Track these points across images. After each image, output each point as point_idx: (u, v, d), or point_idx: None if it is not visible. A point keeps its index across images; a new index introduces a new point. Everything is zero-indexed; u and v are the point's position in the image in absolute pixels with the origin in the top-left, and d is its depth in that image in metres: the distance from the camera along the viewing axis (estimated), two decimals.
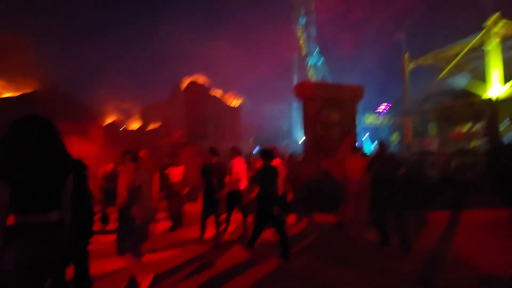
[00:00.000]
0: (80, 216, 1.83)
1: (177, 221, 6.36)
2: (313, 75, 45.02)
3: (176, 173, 6.05)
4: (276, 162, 4.59)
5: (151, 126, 30.35)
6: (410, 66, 24.32)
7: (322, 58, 46.90)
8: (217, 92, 17.16)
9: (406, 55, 24.59)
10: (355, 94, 8.61)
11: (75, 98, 32.21)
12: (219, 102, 17.91)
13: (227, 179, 4.89)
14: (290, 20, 45.64)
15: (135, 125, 30.38)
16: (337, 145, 7.97)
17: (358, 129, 8.68)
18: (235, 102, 18.88)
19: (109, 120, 28.74)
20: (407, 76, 24.45)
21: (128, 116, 31.14)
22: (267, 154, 4.13)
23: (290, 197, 5.60)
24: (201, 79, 17.49)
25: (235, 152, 5.18)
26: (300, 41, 45.66)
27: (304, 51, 45.38)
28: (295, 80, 47.28)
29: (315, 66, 46.23)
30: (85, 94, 43.69)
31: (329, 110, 8.18)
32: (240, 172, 5.03)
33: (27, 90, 17.17)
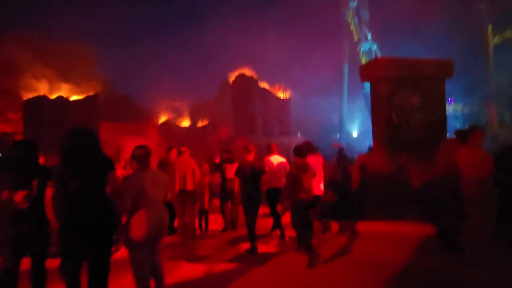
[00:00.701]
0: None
1: (230, 223, 5.64)
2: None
3: (231, 170, 5.39)
4: (312, 159, 4.34)
5: (201, 123, 31.00)
6: (494, 40, 20.23)
7: (376, 44, 42.84)
8: (265, 85, 16.24)
9: (489, 28, 20.49)
10: (441, 70, 6.84)
11: (132, 99, 34.68)
12: (267, 94, 17.00)
13: (264, 177, 4.57)
14: (339, 4, 42.53)
15: (185, 122, 31.36)
16: (419, 135, 6.37)
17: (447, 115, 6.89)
18: (283, 95, 17.74)
19: (162, 119, 30.08)
20: (490, 53, 20.41)
21: (179, 114, 32.31)
22: (300, 150, 3.95)
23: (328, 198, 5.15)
24: (249, 71, 16.80)
25: (269, 150, 5.20)
26: (351, 27, 42.30)
27: (355, 37, 41.96)
28: (346, 69, 44.17)
29: (369, 53, 42.39)
30: (140, 95, 46.99)
31: (407, 92, 6.59)
32: (274, 169, 4.85)
33: (91, 93, 18.34)
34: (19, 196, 2.22)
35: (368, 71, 7.21)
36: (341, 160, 11.63)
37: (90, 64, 29.33)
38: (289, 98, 18.49)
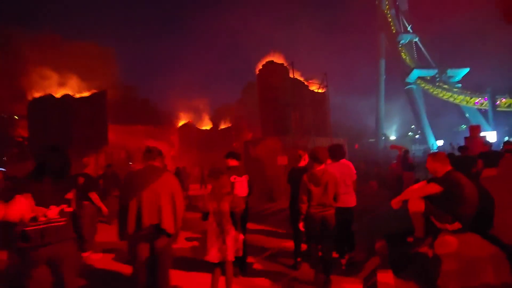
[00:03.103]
0: None
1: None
2: (406, 57, 36.91)
3: (241, 185, 3.70)
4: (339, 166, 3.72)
5: (223, 125, 28.57)
6: None
7: (417, 37, 38.20)
8: (298, 76, 13.14)
9: None
10: None
11: (152, 102, 33.32)
12: (301, 87, 13.85)
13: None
14: None
15: (207, 125, 29.11)
16: None
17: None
18: (319, 89, 14.53)
19: (182, 121, 28.06)
20: None
21: (200, 117, 30.19)
22: (316, 155, 3.28)
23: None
24: (279, 58, 13.82)
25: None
26: (388, 18, 38.13)
27: (393, 29, 37.70)
28: (383, 65, 39.85)
29: (409, 46, 37.87)
30: (161, 98, 46.22)
31: None
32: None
33: (112, 97, 16.49)
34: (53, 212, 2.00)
35: None
36: (405, 165, 9.06)
37: (110, 67, 28.25)
38: (327, 92, 15.21)
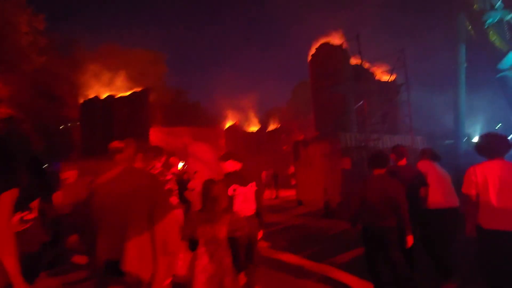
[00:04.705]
0: None
1: None
2: (496, 39, 29.96)
3: (243, 197, 2.72)
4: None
5: (271, 127, 26.67)
6: None
7: (511, 14, 30.75)
8: (360, 62, 10.29)
9: None
10: None
11: (202, 105, 33.21)
12: (364, 74, 10.97)
13: (422, 192, 3.20)
14: None
15: (254, 127, 27.53)
16: None
17: None
18: (390, 77, 11.47)
19: (229, 123, 26.99)
20: None
21: (247, 119, 28.81)
22: (376, 159, 2.93)
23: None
24: (337, 39, 11.15)
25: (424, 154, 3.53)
26: None
27: (476, 6, 31.07)
28: (463, 51, 33.20)
29: (499, 26, 30.74)
30: (209, 99, 46.59)
31: None
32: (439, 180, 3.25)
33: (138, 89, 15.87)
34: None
35: None
36: None
37: (162, 71, 28.86)
38: (396, 82, 12.02)
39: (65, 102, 18.63)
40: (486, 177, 2.42)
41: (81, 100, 15.89)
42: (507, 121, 32.47)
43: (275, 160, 21.49)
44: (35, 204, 1.84)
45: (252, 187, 2.77)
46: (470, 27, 31.59)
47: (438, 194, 3.20)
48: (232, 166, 2.79)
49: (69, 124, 20.02)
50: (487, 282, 2.39)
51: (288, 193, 13.91)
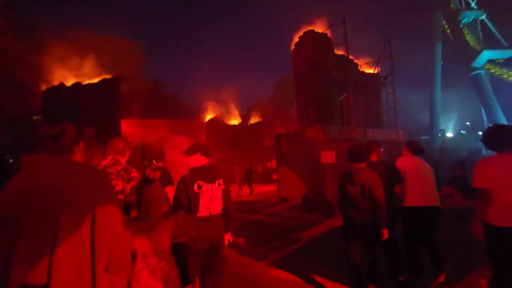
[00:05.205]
0: None
1: None
2: (470, 39, 31.01)
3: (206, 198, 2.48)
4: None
5: (253, 120, 26.13)
6: None
7: (484, 14, 31.92)
8: (346, 49, 9.88)
9: None
10: None
11: (182, 98, 32.02)
12: (349, 65, 10.64)
13: (397, 188, 3.16)
14: None
15: (235, 120, 26.85)
16: None
17: None
18: (375, 70, 11.27)
19: (209, 116, 26.11)
20: None
21: (228, 112, 28.06)
22: (354, 153, 2.91)
23: None
24: (321, 26, 10.65)
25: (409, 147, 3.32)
26: None
27: (452, 7, 31.91)
28: (439, 50, 34.13)
29: (473, 26, 31.84)
30: (187, 91, 45.40)
31: None
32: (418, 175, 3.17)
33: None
34: None
35: None
36: None
37: (136, 60, 27.41)
38: (379, 74, 11.82)
39: (29, 90, 16.96)
40: (500, 171, 2.20)
41: (44, 88, 14.47)
42: (478, 118, 34.04)
43: (257, 155, 21.02)
44: None
45: (220, 184, 2.52)
46: (446, 26, 32.57)
47: (415, 191, 3.08)
48: (198, 160, 2.52)
49: (34, 118, 18.35)
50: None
51: (269, 188, 13.45)
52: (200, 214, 2.31)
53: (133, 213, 1.70)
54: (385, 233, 2.76)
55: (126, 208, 2.46)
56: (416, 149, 3.24)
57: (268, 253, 4.36)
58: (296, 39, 10.94)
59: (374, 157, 3.23)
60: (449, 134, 36.72)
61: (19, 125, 17.29)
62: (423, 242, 3.07)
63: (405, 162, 3.22)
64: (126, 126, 15.30)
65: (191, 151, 2.52)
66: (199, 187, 2.37)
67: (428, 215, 3.04)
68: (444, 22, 32.68)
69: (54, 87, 13.92)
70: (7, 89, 16.28)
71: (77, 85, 13.37)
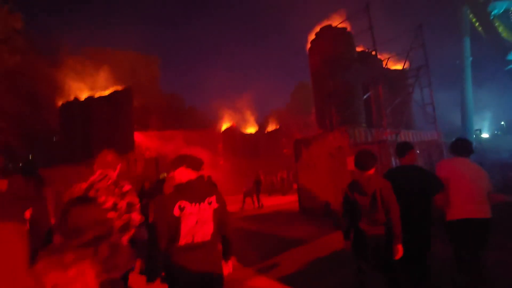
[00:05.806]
0: None
1: None
2: (503, 30, 28.65)
3: (191, 221, 2.02)
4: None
5: (270, 128, 25.30)
6: None
7: None
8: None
9: None
10: None
11: (197, 108, 31.90)
12: (372, 62, 9.57)
13: (437, 199, 2.67)
14: None
15: (252, 128, 26.12)
16: None
17: None
18: (404, 62, 10.15)
19: (226, 125, 25.60)
20: None
21: (244, 119, 27.44)
22: (361, 159, 2.64)
23: None
24: (338, 19, 9.74)
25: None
26: None
27: None
28: (467, 44, 31.80)
29: (505, 17, 29.43)
30: (203, 101, 45.70)
31: None
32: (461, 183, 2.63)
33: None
34: None
35: None
36: None
37: (153, 74, 27.78)
38: (406, 70, 10.63)
39: (46, 106, 17.20)
40: None
41: (60, 103, 14.52)
42: None
43: (275, 163, 20.06)
44: None
45: (211, 203, 2.03)
46: (474, 19, 30.39)
47: (458, 201, 2.61)
48: (184, 175, 2.04)
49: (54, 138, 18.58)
50: None
51: (288, 199, 12.41)
52: (181, 242, 1.85)
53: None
54: (399, 250, 2.36)
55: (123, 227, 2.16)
56: (463, 148, 2.73)
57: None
58: (313, 37, 10.08)
59: (405, 161, 2.81)
60: (485, 135, 33.84)
61: (40, 141, 17.51)
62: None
63: (448, 166, 2.73)
64: (144, 138, 14.98)
65: (174, 165, 2.06)
66: (181, 209, 1.89)
67: (477, 229, 2.55)
68: (471, 15, 30.53)
69: (69, 102, 13.91)
70: (27, 107, 16.56)
71: (89, 99, 13.26)
